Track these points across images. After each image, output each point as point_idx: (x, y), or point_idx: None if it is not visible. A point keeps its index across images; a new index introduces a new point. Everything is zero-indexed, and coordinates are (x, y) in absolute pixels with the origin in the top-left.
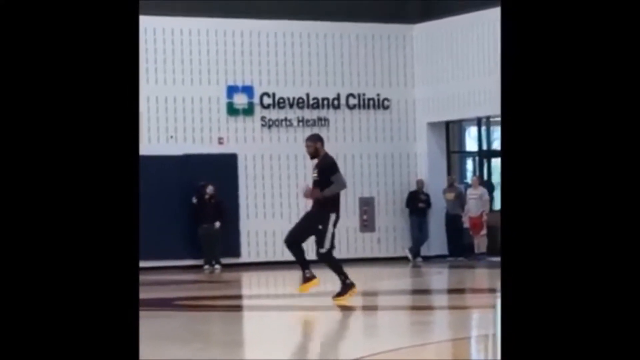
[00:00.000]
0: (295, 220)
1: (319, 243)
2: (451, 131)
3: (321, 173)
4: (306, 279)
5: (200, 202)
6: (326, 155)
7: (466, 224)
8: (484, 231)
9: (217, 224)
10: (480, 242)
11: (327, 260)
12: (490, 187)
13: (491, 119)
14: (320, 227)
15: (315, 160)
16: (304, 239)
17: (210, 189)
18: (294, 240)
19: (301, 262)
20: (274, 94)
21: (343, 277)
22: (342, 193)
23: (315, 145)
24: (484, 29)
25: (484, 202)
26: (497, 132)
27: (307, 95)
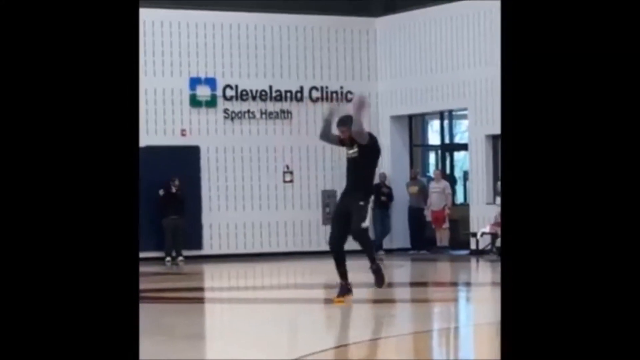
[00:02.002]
0: (257, 212)
1: (362, 218)
2: (414, 125)
3: (365, 155)
4: (347, 291)
5: (167, 195)
6: (371, 136)
7: (429, 217)
8: (446, 224)
9: (180, 217)
10: (443, 236)
11: (365, 237)
12: (452, 181)
13: (454, 113)
14: (362, 203)
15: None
16: (346, 232)
17: (177, 182)
18: (338, 241)
19: (343, 272)
20: (236, 86)
21: (375, 265)
22: (305, 186)
23: (349, 129)
24: (447, 23)
25: (446, 195)
26: (459, 126)
27: (270, 87)
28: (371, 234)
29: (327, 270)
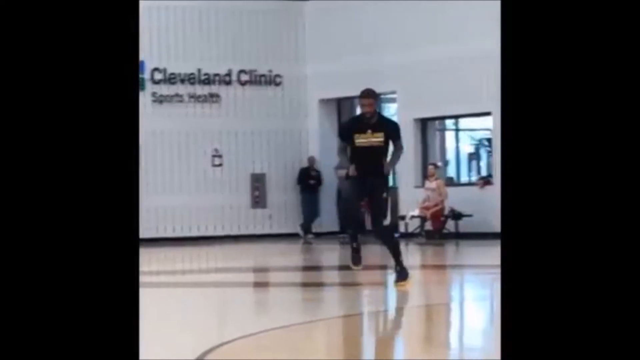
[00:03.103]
0: (187, 196)
1: (384, 213)
2: (343, 108)
3: (388, 136)
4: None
5: None
6: (384, 116)
7: None
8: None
9: None
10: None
11: (392, 236)
12: None
13: (382, 96)
14: (385, 195)
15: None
16: (362, 217)
17: None
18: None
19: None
20: (165, 70)
21: (400, 262)
22: (234, 169)
23: (375, 104)
24: (375, 6)
25: None
26: (388, 109)
27: (199, 71)
28: (300, 218)
29: (256, 254)
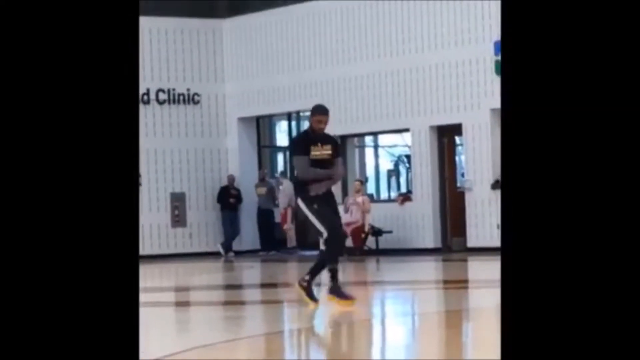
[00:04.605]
0: None
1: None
2: (262, 126)
3: (335, 150)
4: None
5: None
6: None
7: (278, 219)
8: (287, 225)
9: None
10: (289, 236)
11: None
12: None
13: (301, 114)
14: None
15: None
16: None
17: None
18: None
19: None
20: None
21: (311, 277)
22: (153, 189)
23: (327, 120)
24: (293, 24)
25: (287, 195)
26: (306, 126)
27: None
28: (220, 236)
29: (177, 273)
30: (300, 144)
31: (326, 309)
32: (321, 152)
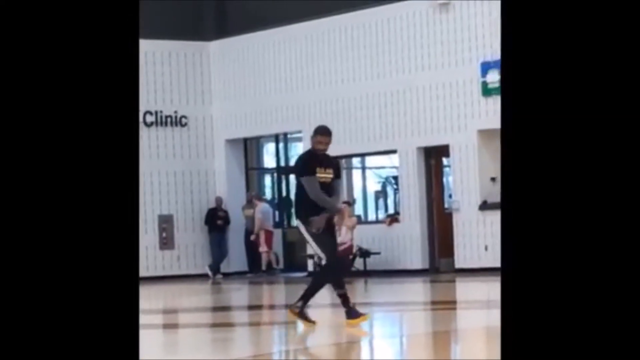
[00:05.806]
0: None
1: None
2: (249, 148)
3: (337, 174)
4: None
5: None
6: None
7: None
8: (262, 247)
9: None
10: (264, 258)
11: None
12: (289, 203)
13: (289, 136)
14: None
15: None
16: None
17: None
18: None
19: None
20: None
21: (303, 302)
22: (141, 211)
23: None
24: (280, 46)
25: (256, 219)
26: (294, 149)
27: None
28: (208, 258)
29: (165, 295)
30: (308, 163)
31: (315, 331)
32: (325, 175)
